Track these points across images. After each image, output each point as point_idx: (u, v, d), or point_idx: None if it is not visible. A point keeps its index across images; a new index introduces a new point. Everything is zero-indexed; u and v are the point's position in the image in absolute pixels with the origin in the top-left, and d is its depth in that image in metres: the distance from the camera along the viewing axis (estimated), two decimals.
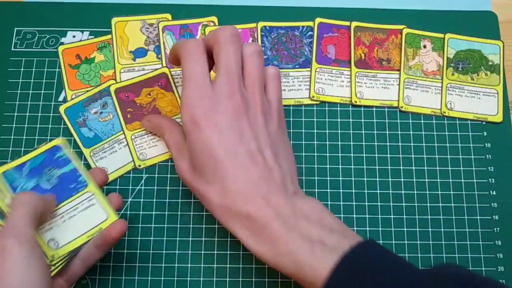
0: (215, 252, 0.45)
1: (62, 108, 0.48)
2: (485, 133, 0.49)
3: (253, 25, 0.52)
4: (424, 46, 0.52)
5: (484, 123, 0.49)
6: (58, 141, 0.40)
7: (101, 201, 0.39)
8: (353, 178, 0.47)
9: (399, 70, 0.51)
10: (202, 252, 0.45)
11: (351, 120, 0.49)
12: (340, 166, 0.48)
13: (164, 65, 0.50)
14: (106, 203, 0.39)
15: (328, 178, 0.47)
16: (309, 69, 0.50)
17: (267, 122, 0.39)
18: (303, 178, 0.47)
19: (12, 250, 0.32)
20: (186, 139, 0.38)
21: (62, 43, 0.51)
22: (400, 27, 0.52)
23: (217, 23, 0.52)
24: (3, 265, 0.31)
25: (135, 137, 0.48)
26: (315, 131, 0.49)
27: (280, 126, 0.40)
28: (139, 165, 0.47)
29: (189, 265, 0.44)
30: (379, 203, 0.47)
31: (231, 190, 0.35)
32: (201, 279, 0.44)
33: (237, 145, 0.36)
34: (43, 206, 0.36)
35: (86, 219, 0.39)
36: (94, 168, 0.42)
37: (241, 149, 0.36)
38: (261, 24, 0.52)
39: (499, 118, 0.49)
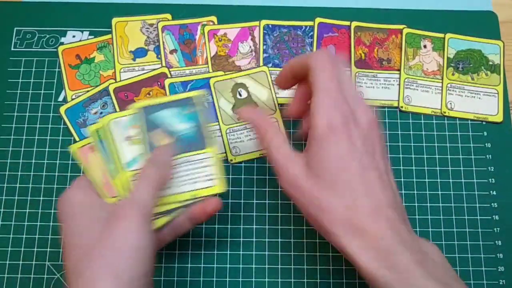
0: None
1: (62, 109, 0.48)
2: (485, 133, 0.49)
3: (253, 23, 0.52)
4: (425, 46, 0.51)
5: (484, 123, 0.49)
6: (201, 92, 0.43)
7: (218, 166, 0.41)
8: None
9: (399, 70, 0.51)
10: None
11: None
12: None
13: (163, 64, 0.50)
14: (220, 170, 0.41)
15: None
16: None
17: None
18: None
19: (131, 220, 0.34)
20: (313, 144, 0.35)
21: (62, 43, 0.51)
22: (401, 26, 0.52)
23: (216, 23, 0.52)
24: (120, 231, 0.33)
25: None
26: None
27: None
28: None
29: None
30: None
31: (359, 205, 0.33)
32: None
33: (369, 162, 0.34)
34: (165, 179, 0.39)
35: (196, 179, 0.40)
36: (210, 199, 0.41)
37: (372, 166, 0.34)
38: (264, 22, 0.52)
39: (499, 118, 0.49)
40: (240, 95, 0.49)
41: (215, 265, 0.45)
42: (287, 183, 0.36)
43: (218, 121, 0.48)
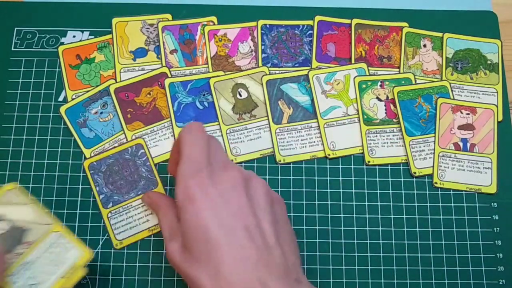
0: None
1: (62, 109, 0.48)
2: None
3: (252, 23, 0.52)
4: (424, 45, 0.52)
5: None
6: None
7: (69, 236, 0.39)
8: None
9: (399, 67, 0.51)
10: None
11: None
12: (334, 167, 0.48)
13: (163, 64, 0.50)
14: (75, 240, 0.39)
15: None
16: (308, 67, 0.50)
17: (270, 199, 0.36)
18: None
19: None
20: (181, 217, 0.34)
21: (62, 43, 0.51)
22: (402, 24, 0.52)
23: (216, 23, 0.52)
24: None
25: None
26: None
27: (283, 209, 0.38)
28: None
29: None
30: (378, 203, 0.47)
31: (225, 272, 0.31)
32: None
33: (233, 220, 0.33)
34: None
35: (58, 259, 0.38)
36: None
37: (237, 224, 0.32)
38: (261, 22, 0.52)
39: (499, 118, 0.49)
40: (240, 95, 0.49)
41: None
42: (169, 261, 0.35)
43: (218, 121, 0.49)
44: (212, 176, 0.34)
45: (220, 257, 0.31)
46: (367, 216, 0.46)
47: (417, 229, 0.46)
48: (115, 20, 0.52)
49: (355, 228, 0.46)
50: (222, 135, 0.48)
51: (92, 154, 0.47)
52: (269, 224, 0.34)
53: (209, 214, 0.33)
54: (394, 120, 0.49)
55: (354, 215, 0.46)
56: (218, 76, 0.50)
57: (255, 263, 0.31)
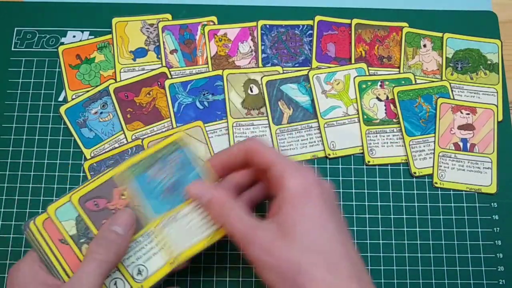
0: None
1: (62, 109, 0.48)
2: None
3: (252, 23, 0.52)
4: (424, 45, 0.51)
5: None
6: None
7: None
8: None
9: (399, 67, 0.51)
10: None
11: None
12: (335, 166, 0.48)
13: (164, 64, 0.50)
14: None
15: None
16: (308, 67, 0.50)
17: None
18: None
19: None
20: (284, 207, 0.33)
21: (62, 43, 0.51)
22: (402, 24, 0.52)
23: (216, 23, 0.52)
24: None
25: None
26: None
27: None
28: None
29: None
30: (378, 203, 0.47)
31: (340, 268, 0.32)
32: None
33: (340, 221, 0.35)
34: (117, 259, 0.35)
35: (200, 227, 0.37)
36: None
37: (343, 225, 0.34)
38: (261, 22, 0.52)
39: (499, 118, 0.49)
40: (252, 91, 0.49)
41: None
42: (260, 250, 0.33)
43: (226, 114, 0.49)
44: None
45: (336, 254, 0.32)
46: (367, 216, 0.46)
47: (417, 229, 0.46)
48: (115, 20, 0.51)
49: (355, 228, 0.46)
50: (228, 128, 0.48)
51: (92, 155, 0.47)
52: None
53: (326, 209, 0.33)
54: (394, 120, 0.49)
55: (354, 215, 0.46)
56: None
57: (361, 268, 0.33)
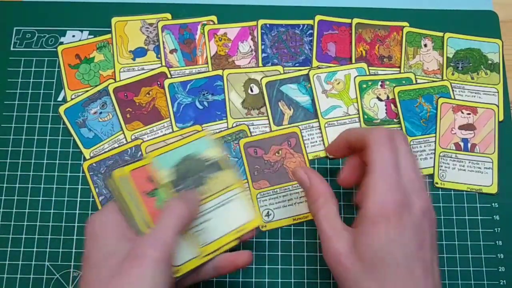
0: None
1: (61, 109, 0.48)
2: None
3: (253, 23, 0.52)
4: (425, 45, 0.51)
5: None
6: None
7: (246, 200, 0.39)
8: None
9: (400, 67, 0.51)
10: None
11: None
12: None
13: (163, 64, 0.50)
14: (250, 203, 0.39)
15: None
16: (308, 67, 0.50)
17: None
18: None
19: (147, 264, 0.32)
20: (362, 224, 0.34)
21: (61, 43, 0.51)
22: (403, 23, 0.52)
23: (216, 22, 0.52)
24: (136, 270, 0.31)
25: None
26: None
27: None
28: None
29: None
30: None
31: None
32: None
33: (416, 252, 0.33)
34: (192, 216, 0.36)
35: (230, 218, 0.38)
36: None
37: (417, 256, 0.33)
38: (261, 21, 0.52)
39: (500, 117, 0.49)
40: (252, 90, 0.49)
41: None
42: (330, 256, 0.35)
43: (226, 114, 0.48)
44: (407, 197, 0.34)
45: (397, 282, 0.32)
46: None
47: None
48: (114, 20, 0.51)
49: None
50: (227, 128, 0.48)
51: (92, 155, 0.47)
52: (436, 259, 0.35)
53: (400, 238, 0.33)
54: (395, 120, 0.49)
55: (355, 216, 0.46)
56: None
57: None
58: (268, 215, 0.45)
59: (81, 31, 0.52)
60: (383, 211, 0.33)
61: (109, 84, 0.49)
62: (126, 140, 0.48)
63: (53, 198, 0.46)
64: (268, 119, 0.48)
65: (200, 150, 0.39)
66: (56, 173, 0.47)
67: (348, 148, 0.39)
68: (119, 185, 0.36)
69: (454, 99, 0.49)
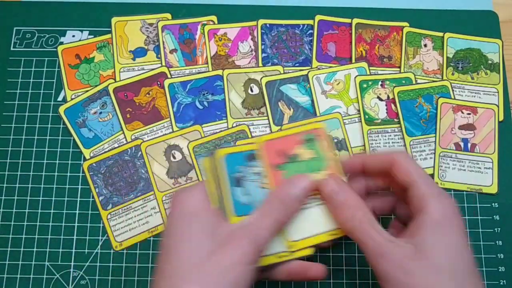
0: None
1: (61, 109, 0.48)
2: None
3: (252, 23, 0.52)
4: (425, 45, 0.51)
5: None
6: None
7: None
8: None
9: (399, 67, 0.51)
10: None
11: None
12: None
13: (163, 64, 0.50)
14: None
15: None
16: (309, 67, 0.50)
17: None
18: None
19: (241, 252, 0.32)
20: (424, 230, 0.34)
21: (61, 43, 0.51)
22: (403, 23, 0.52)
23: (216, 22, 0.52)
24: (223, 264, 0.32)
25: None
26: None
27: None
28: None
29: None
30: None
31: None
32: None
33: (471, 253, 0.35)
34: (289, 218, 0.36)
35: (326, 219, 0.37)
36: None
37: (473, 257, 0.34)
38: (261, 21, 0.52)
39: (500, 117, 0.49)
40: (252, 90, 0.49)
41: None
42: (395, 267, 0.33)
43: (226, 114, 0.48)
44: None
45: (466, 282, 0.33)
46: None
47: None
48: (114, 20, 0.51)
49: None
50: (228, 128, 0.48)
51: (92, 155, 0.47)
52: None
53: (464, 239, 0.34)
54: (396, 120, 0.49)
55: None
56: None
57: None
58: None
59: (81, 31, 0.52)
60: (445, 215, 0.34)
61: (109, 84, 0.49)
62: (126, 140, 0.48)
63: (53, 198, 0.46)
64: (268, 119, 0.48)
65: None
66: (56, 173, 0.47)
67: (364, 172, 0.39)
68: (218, 165, 0.36)
69: (454, 99, 0.49)
